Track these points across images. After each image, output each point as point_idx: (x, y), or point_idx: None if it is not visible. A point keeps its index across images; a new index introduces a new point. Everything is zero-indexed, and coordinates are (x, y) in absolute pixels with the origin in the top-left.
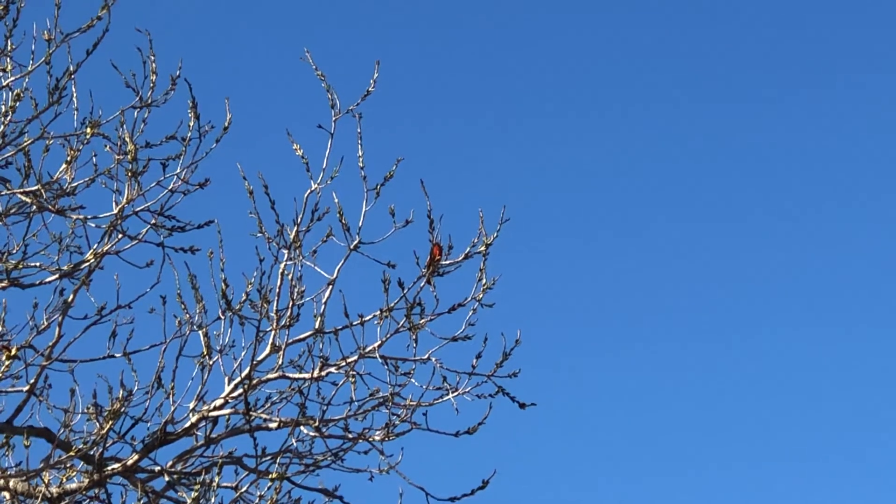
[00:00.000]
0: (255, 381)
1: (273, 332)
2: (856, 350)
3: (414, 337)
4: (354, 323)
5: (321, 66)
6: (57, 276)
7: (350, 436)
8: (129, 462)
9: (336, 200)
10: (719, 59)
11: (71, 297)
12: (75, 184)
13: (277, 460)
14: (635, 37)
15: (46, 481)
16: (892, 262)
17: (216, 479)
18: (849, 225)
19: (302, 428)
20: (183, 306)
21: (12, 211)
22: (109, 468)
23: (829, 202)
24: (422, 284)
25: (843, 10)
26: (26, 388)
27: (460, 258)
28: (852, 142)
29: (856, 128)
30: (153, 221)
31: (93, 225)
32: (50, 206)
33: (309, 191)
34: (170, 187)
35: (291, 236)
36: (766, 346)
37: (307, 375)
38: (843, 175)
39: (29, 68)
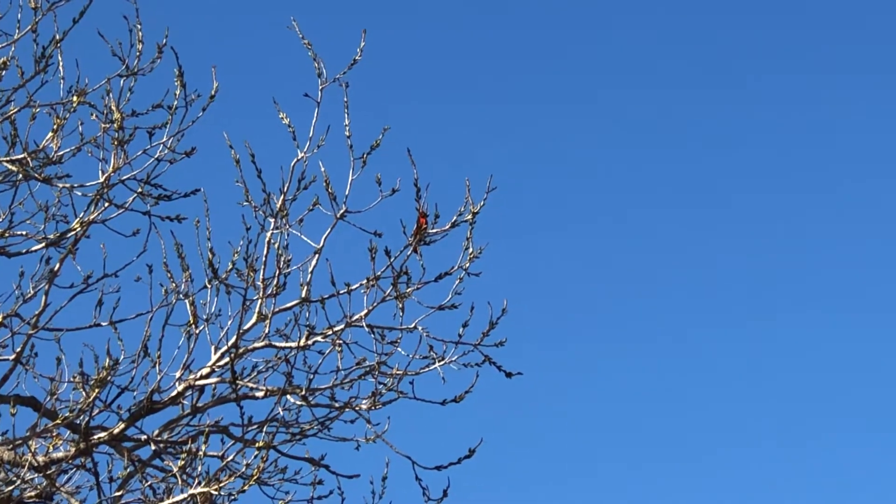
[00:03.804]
0: (241, 350)
1: (259, 301)
2: (853, 342)
3: (400, 306)
4: (341, 292)
5: (307, 34)
6: (43, 244)
7: (336, 405)
8: (116, 431)
9: (322, 169)
10: (716, 42)
11: (57, 265)
12: (61, 152)
13: (264, 429)
14: (630, 10)
15: (33, 450)
16: (886, 252)
17: (202, 447)
18: (842, 218)
19: (288, 397)
20: (169, 275)
21: None
22: (96, 437)
23: (823, 194)
24: (408, 253)
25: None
26: (12, 356)
27: (447, 227)
28: (845, 132)
29: (849, 116)
30: (139, 190)
31: (79, 193)
32: (36, 175)
33: (295, 160)
34: (156, 156)
35: (278, 205)
36: (763, 331)
37: (294, 344)
38: (833, 169)
39: (15, 36)
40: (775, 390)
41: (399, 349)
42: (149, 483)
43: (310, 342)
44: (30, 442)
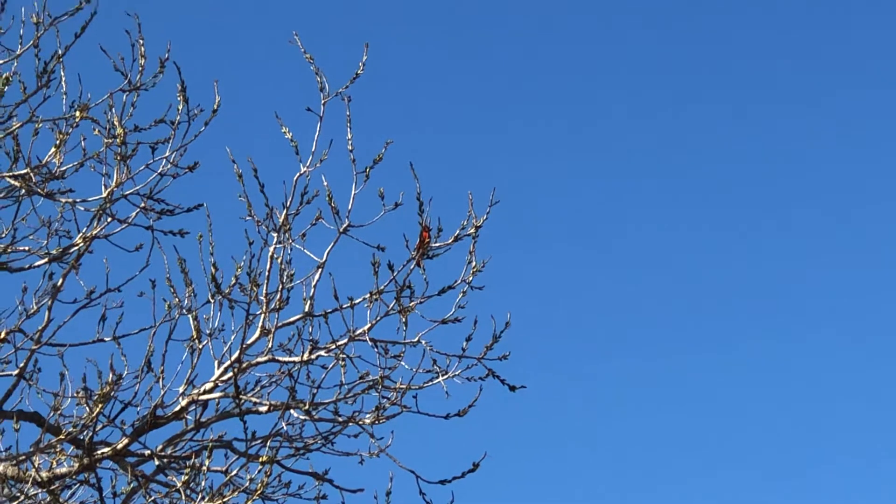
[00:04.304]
0: (244, 365)
1: (262, 316)
2: (847, 357)
3: (404, 320)
4: (344, 306)
5: (309, 48)
6: (46, 259)
7: (340, 419)
8: (119, 446)
9: (325, 183)
10: (711, 63)
11: (60, 281)
12: (64, 167)
13: (267, 444)
14: (627, 27)
15: (36, 465)
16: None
17: (206, 462)
18: (834, 233)
19: (292, 411)
20: (172, 290)
21: (1, 195)
22: (99, 452)
23: (818, 211)
24: (411, 267)
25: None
26: (16, 372)
27: (450, 241)
28: (839, 148)
29: (836, 135)
30: (142, 205)
31: (82, 209)
32: (39, 190)
33: (298, 174)
34: (159, 171)
35: (281, 219)
36: (760, 341)
37: (297, 359)
38: (827, 183)
39: (17, 52)
40: (785, 408)
41: (402, 363)
42: (152, 498)
43: (313, 356)
44: (33, 457)
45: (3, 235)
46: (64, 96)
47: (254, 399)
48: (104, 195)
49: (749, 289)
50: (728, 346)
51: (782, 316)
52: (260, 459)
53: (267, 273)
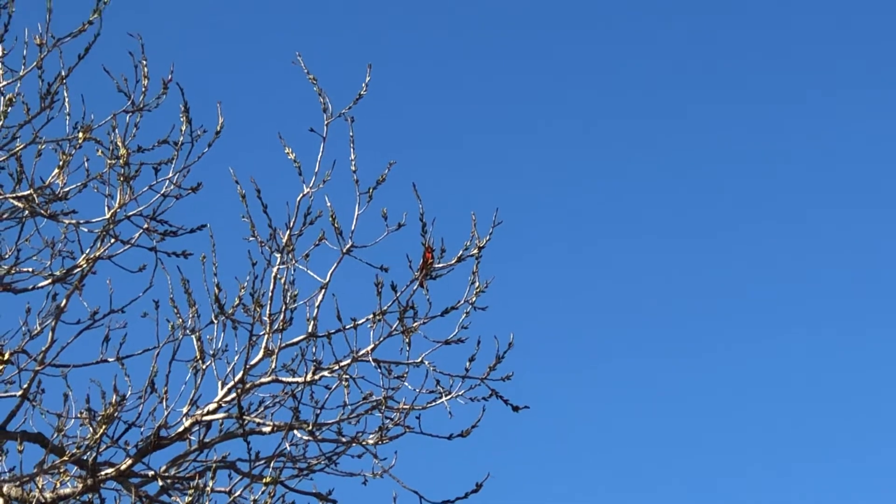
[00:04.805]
0: (248, 386)
1: (266, 336)
2: (847, 354)
3: (407, 340)
4: (347, 326)
5: (313, 69)
6: (49, 280)
7: (343, 439)
8: (123, 467)
9: (328, 204)
10: (711, 63)
11: (64, 301)
12: (67, 188)
13: (271, 464)
14: (627, 28)
15: (40, 486)
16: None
17: (210, 483)
18: (834, 233)
19: (295, 432)
20: (176, 311)
21: (4, 216)
22: (103, 473)
23: (821, 209)
24: (415, 288)
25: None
26: (19, 393)
27: (453, 261)
28: (839, 148)
29: (836, 135)
30: (146, 226)
31: (85, 230)
32: (42, 211)
33: (301, 195)
34: (162, 192)
35: (284, 240)
36: (763, 347)
37: (300, 379)
38: (826, 183)
39: (21, 73)
40: (784, 408)
41: (406, 384)
42: None
43: (316, 377)
44: (37, 478)
45: (7, 256)
46: (67, 117)
47: (257, 420)
48: (107, 216)
49: (748, 289)
50: (727, 347)
51: (782, 316)
52: (264, 480)
53: (270, 294)
